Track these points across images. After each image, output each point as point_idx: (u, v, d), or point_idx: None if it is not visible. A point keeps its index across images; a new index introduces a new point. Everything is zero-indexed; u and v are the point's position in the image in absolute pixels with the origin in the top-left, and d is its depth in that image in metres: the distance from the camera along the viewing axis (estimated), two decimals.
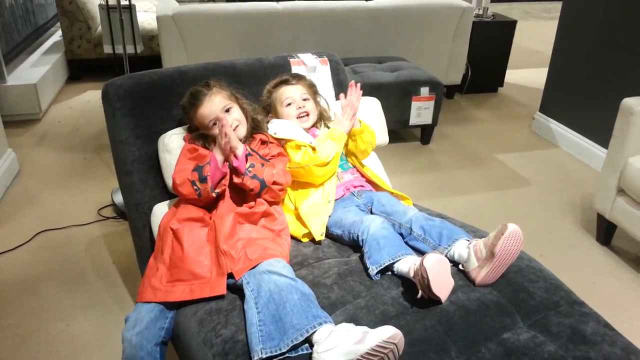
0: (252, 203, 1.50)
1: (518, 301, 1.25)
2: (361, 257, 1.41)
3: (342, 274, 1.34)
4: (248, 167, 1.45)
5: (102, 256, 2.14)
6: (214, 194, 1.44)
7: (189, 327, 1.25)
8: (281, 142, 1.66)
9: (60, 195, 2.57)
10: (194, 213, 1.47)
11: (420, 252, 1.38)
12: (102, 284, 1.99)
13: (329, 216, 1.56)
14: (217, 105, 1.54)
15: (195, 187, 1.43)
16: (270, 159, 1.58)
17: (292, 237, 1.55)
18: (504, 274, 1.30)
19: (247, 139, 1.60)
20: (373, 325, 1.15)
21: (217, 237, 1.36)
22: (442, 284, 1.21)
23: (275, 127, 1.66)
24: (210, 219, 1.46)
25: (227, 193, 1.49)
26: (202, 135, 1.58)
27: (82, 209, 2.44)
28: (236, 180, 1.46)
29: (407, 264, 1.29)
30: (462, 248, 1.35)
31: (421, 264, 1.20)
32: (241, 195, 1.52)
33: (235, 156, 1.45)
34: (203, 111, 1.54)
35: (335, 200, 1.61)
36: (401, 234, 1.45)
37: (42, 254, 2.15)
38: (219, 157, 1.46)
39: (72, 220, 2.36)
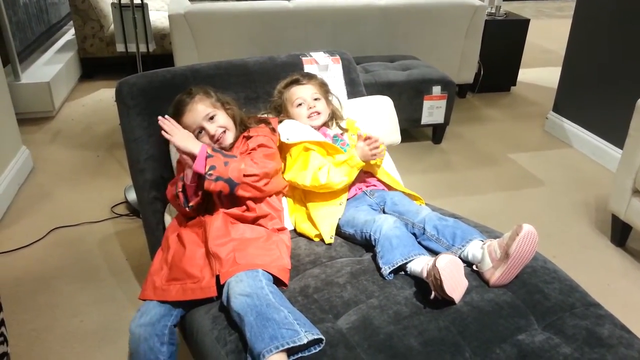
0: (244, 207, 1.46)
1: (533, 302, 1.24)
2: (374, 257, 1.40)
3: (355, 273, 1.34)
4: (208, 171, 1.36)
5: (115, 253, 2.15)
6: (187, 209, 1.42)
7: (202, 324, 1.25)
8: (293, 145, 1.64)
9: (73, 192, 2.59)
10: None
11: (434, 252, 1.37)
12: (115, 281, 2.00)
13: (341, 216, 1.55)
14: (199, 114, 1.50)
15: (178, 202, 1.43)
16: (249, 152, 1.51)
17: (304, 236, 1.56)
18: (519, 274, 1.29)
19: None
20: (386, 324, 1.15)
21: (207, 238, 1.36)
22: (456, 285, 1.21)
23: (286, 132, 1.64)
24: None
25: (215, 194, 1.44)
26: None
27: (95, 206, 2.46)
28: (205, 186, 1.37)
29: (420, 264, 1.28)
30: (476, 248, 1.34)
31: (434, 265, 1.19)
32: (230, 195, 1.45)
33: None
34: (186, 121, 1.50)
35: (347, 199, 1.60)
36: (414, 234, 1.44)
37: (56, 250, 2.17)
38: (189, 170, 1.40)
39: (85, 217, 2.38)
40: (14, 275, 2.01)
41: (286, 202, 1.64)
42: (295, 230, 1.60)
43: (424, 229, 1.43)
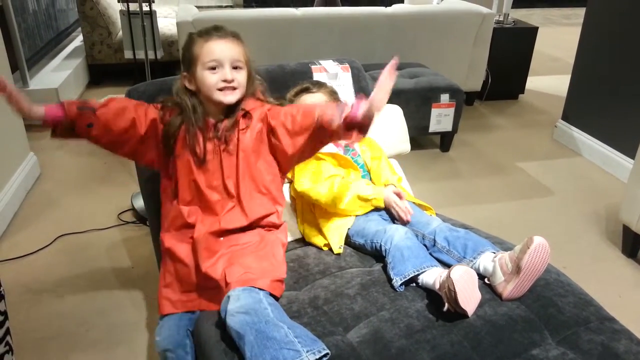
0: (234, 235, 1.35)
1: (547, 316, 1.22)
2: (384, 267, 1.38)
3: (365, 284, 1.32)
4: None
5: (122, 261, 2.14)
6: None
7: (210, 336, 1.24)
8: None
9: (80, 199, 2.59)
10: (173, 215, 1.37)
11: (445, 265, 1.35)
12: (121, 289, 1.99)
13: (351, 226, 1.54)
14: (233, 53, 1.30)
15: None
16: (269, 109, 1.35)
17: (313, 245, 1.54)
18: (532, 287, 1.27)
19: (229, 114, 1.35)
20: (398, 338, 1.13)
21: (197, 261, 1.31)
22: (469, 298, 1.19)
23: None
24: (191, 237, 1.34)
25: (200, 213, 1.35)
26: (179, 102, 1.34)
27: (102, 213, 2.46)
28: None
29: (432, 276, 1.26)
30: (487, 261, 1.32)
31: (448, 276, 1.17)
32: (211, 205, 1.34)
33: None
34: (213, 46, 1.29)
35: None
36: (425, 245, 1.43)
37: (62, 257, 2.16)
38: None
39: (92, 224, 2.37)
40: (20, 283, 2.00)
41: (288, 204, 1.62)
42: (303, 239, 1.58)
43: (435, 240, 1.41)
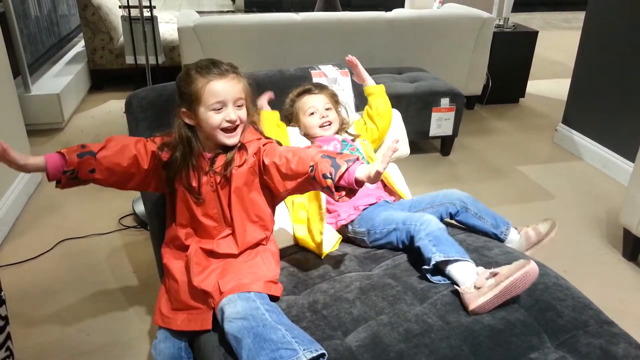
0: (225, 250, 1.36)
1: (545, 320, 1.22)
2: (411, 253, 1.42)
3: (364, 288, 1.32)
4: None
5: (123, 265, 2.15)
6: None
7: (208, 343, 1.24)
8: None
9: (81, 204, 2.60)
10: (172, 235, 1.41)
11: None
12: (122, 294, 1.99)
13: (372, 217, 1.55)
14: (236, 91, 1.28)
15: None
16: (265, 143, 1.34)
17: (309, 250, 1.54)
18: (531, 291, 1.27)
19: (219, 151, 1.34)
20: (396, 343, 1.13)
21: (189, 277, 1.31)
22: (505, 295, 1.20)
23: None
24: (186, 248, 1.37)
25: (195, 237, 1.37)
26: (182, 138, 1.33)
27: (103, 218, 2.46)
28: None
29: (466, 271, 1.27)
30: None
31: (527, 269, 1.18)
32: (207, 229, 1.37)
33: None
34: (217, 87, 1.26)
35: (370, 205, 1.60)
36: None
37: (63, 262, 2.17)
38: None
39: (93, 229, 2.38)
40: (21, 288, 2.01)
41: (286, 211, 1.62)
42: (297, 244, 1.58)
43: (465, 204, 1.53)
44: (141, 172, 1.35)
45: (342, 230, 1.61)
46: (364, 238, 1.55)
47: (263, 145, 1.34)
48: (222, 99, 1.27)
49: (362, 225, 1.56)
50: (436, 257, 1.30)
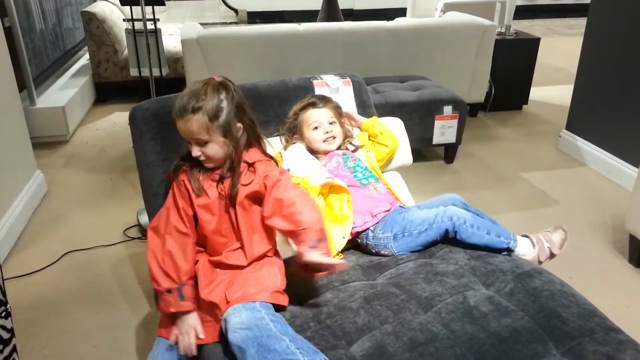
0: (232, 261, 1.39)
1: (550, 327, 1.21)
2: (449, 244, 1.53)
3: (368, 297, 1.32)
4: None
5: (128, 277, 2.15)
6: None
7: (214, 352, 1.24)
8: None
9: (87, 215, 2.61)
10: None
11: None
12: (128, 305, 2.00)
13: (396, 221, 1.56)
14: (192, 131, 1.32)
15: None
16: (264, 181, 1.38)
17: None
18: (536, 298, 1.26)
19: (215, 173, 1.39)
20: (401, 352, 1.13)
21: (198, 286, 1.33)
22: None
23: (289, 162, 1.67)
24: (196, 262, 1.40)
25: (204, 253, 1.41)
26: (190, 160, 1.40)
27: (108, 230, 2.47)
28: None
29: (523, 244, 1.57)
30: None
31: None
32: (216, 246, 1.40)
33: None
34: (179, 125, 1.34)
35: (387, 211, 1.61)
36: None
37: (69, 274, 2.17)
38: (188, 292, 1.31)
39: (98, 240, 2.39)
40: (27, 300, 2.02)
41: None
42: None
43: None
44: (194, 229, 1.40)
45: (353, 238, 1.61)
46: (388, 242, 1.54)
47: (270, 172, 1.38)
48: (186, 138, 1.36)
49: (386, 230, 1.56)
50: (511, 245, 1.52)
